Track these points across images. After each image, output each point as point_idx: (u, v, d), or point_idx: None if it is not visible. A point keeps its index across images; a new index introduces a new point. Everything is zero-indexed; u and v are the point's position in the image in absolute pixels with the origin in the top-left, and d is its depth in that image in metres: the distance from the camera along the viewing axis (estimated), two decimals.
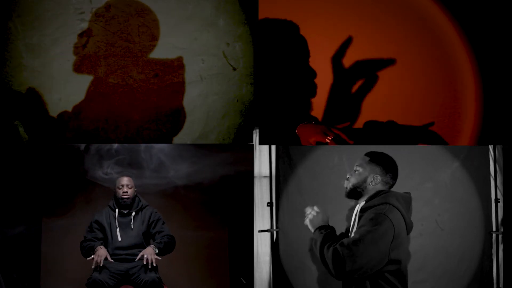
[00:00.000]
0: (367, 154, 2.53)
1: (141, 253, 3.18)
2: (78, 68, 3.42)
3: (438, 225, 3.60)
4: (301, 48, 3.02)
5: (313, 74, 3.00)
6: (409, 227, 2.45)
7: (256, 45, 3.54)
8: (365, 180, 2.47)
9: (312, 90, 2.89)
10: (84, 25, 3.40)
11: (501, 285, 3.63)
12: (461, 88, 3.26)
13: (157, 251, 3.21)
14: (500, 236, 3.65)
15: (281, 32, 3.06)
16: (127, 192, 3.31)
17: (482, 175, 3.67)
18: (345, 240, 2.26)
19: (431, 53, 3.26)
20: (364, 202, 2.47)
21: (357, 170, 2.50)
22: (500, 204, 3.66)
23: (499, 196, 3.66)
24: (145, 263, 3.14)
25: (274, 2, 3.21)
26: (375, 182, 2.46)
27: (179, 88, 3.51)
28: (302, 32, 3.11)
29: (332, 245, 2.27)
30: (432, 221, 3.60)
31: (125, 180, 3.34)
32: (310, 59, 3.07)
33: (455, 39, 3.23)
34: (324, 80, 3.15)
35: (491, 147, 3.68)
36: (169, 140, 3.57)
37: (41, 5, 3.37)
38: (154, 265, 3.15)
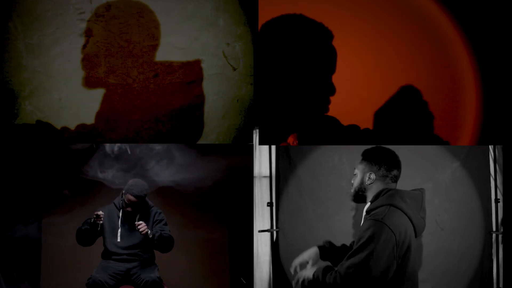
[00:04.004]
0: (362, 153, 2.49)
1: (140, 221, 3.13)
2: (78, 68, 3.43)
3: (438, 225, 3.60)
4: (310, 46, 2.99)
5: (331, 71, 2.97)
6: (418, 229, 2.34)
7: (256, 45, 3.54)
8: (362, 181, 2.43)
9: (330, 88, 2.85)
10: (84, 25, 3.40)
11: (501, 285, 3.63)
12: (461, 88, 3.26)
13: (150, 235, 3.14)
14: (500, 236, 3.65)
15: (283, 30, 3.04)
16: (130, 210, 3.26)
17: (482, 175, 3.67)
18: (341, 266, 2.25)
19: (431, 53, 3.26)
20: (369, 203, 2.40)
21: (355, 174, 2.47)
22: (500, 204, 3.66)
23: (499, 196, 3.66)
24: (137, 222, 3.11)
25: (274, 2, 3.21)
26: (371, 180, 2.41)
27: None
28: (307, 30, 3.09)
29: (333, 271, 2.28)
30: (432, 221, 3.60)
31: (133, 201, 3.22)
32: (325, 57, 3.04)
33: (455, 39, 3.23)
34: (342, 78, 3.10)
35: (491, 147, 3.68)
36: (168, 140, 3.57)
37: (41, 5, 3.36)
38: (141, 229, 3.10)
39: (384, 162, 2.41)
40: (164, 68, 3.50)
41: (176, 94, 3.53)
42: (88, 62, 3.43)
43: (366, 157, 2.45)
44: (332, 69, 2.86)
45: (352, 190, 2.47)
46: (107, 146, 3.53)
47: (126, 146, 3.55)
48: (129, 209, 3.25)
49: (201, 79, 3.50)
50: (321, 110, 2.87)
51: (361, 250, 2.19)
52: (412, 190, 2.42)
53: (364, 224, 2.30)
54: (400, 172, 2.43)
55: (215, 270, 3.75)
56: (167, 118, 3.54)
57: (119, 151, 3.56)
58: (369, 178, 2.41)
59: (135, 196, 3.20)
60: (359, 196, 2.45)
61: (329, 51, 2.87)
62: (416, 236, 2.34)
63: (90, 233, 3.20)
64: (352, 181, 2.48)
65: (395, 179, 2.43)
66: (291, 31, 2.88)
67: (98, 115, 3.46)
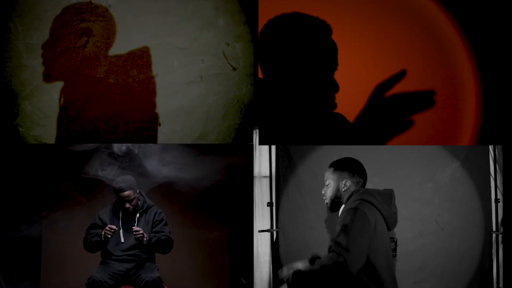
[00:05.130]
0: (330, 165, 2.70)
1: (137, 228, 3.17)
2: (78, 68, 3.43)
3: (438, 225, 3.60)
4: (310, 44, 2.98)
5: (334, 67, 2.95)
6: (390, 221, 2.53)
7: (256, 45, 3.54)
8: (338, 189, 2.63)
9: (334, 85, 2.85)
10: (84, 25, 3.40)
11: (501, 285, 3.63)
12: (461, 88, 3.26)
13: (145, 239, 3.18)
14: (500, 236, 3.65)
15: (283, 30, 3.04)
16: (129, 207, 3.29)
17: (482, 175, 3.67)
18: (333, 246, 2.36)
19: (430, 53, 3.26)
20: (343, 205, 2.59)
21: (327, 184, 2.66)
22: (500, 204, 3.66)
23: (499, 196, 3.66)
24: (134, 229, 3.15)
25: (274, 2, 3.21)
26: (346, 186, 2.61)
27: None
28: (307, 29, 3.08)
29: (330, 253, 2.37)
30: (432, 221, 3.60)
31: (125, 195, 3.25)
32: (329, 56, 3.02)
33: (455, 39, 3.23)
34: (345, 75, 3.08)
35: (491, 147, 3.68)
36: (166, 140, 3.57)
37: (41, 5, 3.37)
38: (137, 235, 3.14)
39: (355, 170, 2.65)
40: (164, 68, 3.50)
41: (176, 93, 3.53)
42: (88, 62, 3.43)
43: (339, 167, 2.66)
44: (333, 67, 2.86)
45: (328, 200, 2.66)
46: (107, 146, 3.53)
47: (135, 146, 3.56)
48: (127, 205, 3.26)
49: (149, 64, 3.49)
50: (323, 108, 2.87)
51: (343, 230, 2.37)
52: (382, 190, 2.63)
53: (341, 215, 2.49)
54: (367, 178, 2.69)
55: (215, 270, 3.76)
56: (167, 118, 3.54)
57: (119, 151, 3.57)
58: (344, 185, 2.61)
59: (123, 189, 3.22)
60: (335, 204, 2.65)
61: (328, 48, 2.86)
62: (389, 230, 2.55)
63: (101, 244, 3.23)
64: (324, 191, 2.68)
65: (364, 184, 2.67)
66: (291, 30, 2.88)
67: (95, 115, 3.47)
